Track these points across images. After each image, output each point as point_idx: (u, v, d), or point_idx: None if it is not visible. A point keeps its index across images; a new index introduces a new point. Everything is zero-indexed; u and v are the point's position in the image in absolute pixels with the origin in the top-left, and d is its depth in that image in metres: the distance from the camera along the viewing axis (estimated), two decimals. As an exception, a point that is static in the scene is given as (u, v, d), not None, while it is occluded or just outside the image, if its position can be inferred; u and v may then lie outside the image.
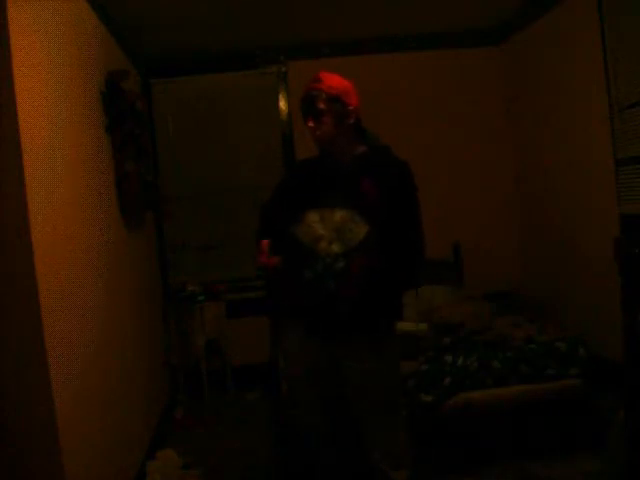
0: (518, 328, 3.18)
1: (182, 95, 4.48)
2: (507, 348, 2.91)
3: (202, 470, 2.99)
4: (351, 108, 1.96)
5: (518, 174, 4.51)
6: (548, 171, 4.02)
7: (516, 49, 4.33)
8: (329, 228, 1.91)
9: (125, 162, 3.09)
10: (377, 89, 4.14)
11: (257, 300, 4.30)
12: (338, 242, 1.89)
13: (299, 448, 2.32)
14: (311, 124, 1.96)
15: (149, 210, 3.97)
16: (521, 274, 4.49)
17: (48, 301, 1.91)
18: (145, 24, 3.54)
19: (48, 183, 2.05)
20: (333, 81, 1.95)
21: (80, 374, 2.20)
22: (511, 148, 4.53)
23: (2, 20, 1.80)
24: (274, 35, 4.17)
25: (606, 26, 3.09)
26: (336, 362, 2.00)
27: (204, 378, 4.08)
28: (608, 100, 3.13)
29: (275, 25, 3.94)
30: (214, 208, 4.50)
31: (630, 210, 3.02)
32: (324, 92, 1.92)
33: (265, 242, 1.97)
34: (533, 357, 2.84)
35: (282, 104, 4.51)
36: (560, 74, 3.69)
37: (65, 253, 2.18)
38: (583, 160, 3.50)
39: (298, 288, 1.99)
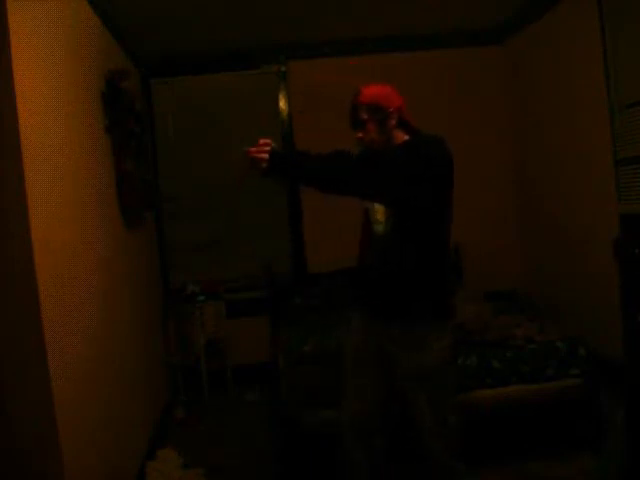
0: (518, 328, 3.17)
1: (182, 95, 4.48)
2: (507, 348, 2.91)
3: (202, 470, 2.99)
4: (391, 110, 2.07)
5: (518, 174, 4.51)
6: (548, 171, 4.02)
7: (516, 49, 4.32)
8: (380, 213, 2.11)
9: (125, 162, 3.09)
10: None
11: (257, 300, 4.31)
12: (382, 224, 2.10)
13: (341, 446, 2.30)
14: (360, 134, 2.10)
15: (149, 210, 3.97)
16: (521, 274, 4.49)
17: (48, 302, 1.92)
18: (145, 24, 3.53)
19: (48, 183, 2.05)
20: (370, 90, 2.10)
21: (80, 374, 2.20)
22: (511, 148, 4.53)
23: (2, 20, 1.80)
24: (274, 35, 4.17)
25: (606, 26, 3.09)
26: (388, 349, 2.09)
27: (204, 378, 4.09)
28: (608, 100, 3.13)
29: (275, 25, 3.94)
30: (214, 208, 4.50)
31: (630, 210, 3.01)
32: (363, 103, 2.07)
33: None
34: (533, 357, 2.85)
35: (282, 104, 4.51)
36: (560, 74, 3.69)
37: (65, 253, 2.18)
38: (583, 160, 3.50)
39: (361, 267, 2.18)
